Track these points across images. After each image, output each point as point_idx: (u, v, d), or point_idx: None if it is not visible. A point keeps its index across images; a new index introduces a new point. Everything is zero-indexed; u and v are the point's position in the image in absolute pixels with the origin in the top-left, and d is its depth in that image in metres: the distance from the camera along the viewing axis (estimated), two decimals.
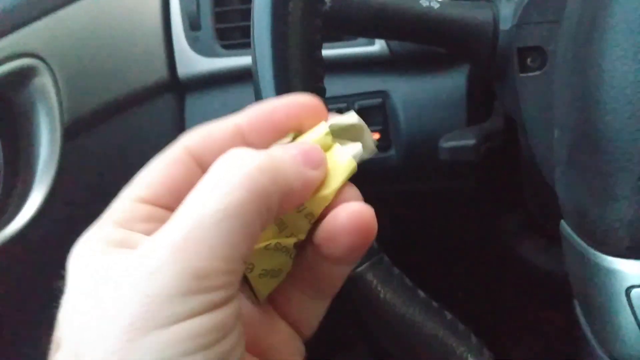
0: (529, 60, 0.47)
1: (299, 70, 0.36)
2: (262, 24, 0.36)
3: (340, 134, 0.28)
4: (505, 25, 0.47)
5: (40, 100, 0.52)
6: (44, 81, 0.52)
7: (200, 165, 0.25)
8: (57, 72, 0.53)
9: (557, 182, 0.37)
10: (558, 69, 0.40)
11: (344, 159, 0.27)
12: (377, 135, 0.63)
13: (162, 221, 0.23)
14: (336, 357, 0.81)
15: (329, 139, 0.27)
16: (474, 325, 0.37)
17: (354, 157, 0.28)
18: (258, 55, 0.36)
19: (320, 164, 0.26)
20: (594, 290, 0.32)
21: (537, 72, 0.46)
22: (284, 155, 0.25)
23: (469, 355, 0.34)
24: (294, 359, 0.28)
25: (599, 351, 0.34)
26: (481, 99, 0.59)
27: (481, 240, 0.73)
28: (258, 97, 0.37)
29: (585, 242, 0.34)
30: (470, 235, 0.73)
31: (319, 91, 0.37)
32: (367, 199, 0.37)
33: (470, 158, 0.48)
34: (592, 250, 0.33)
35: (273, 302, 0.28)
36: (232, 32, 0.65)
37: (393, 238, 0.71)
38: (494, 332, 0.86)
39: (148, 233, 0.24)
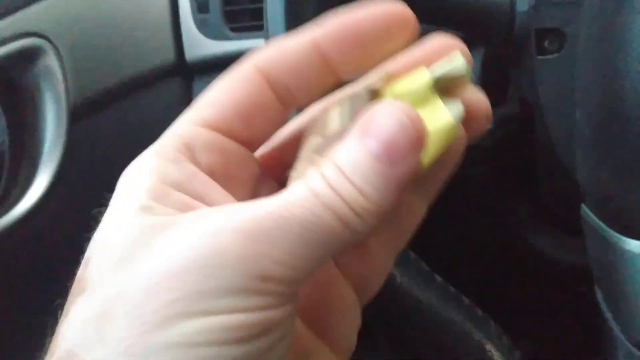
0: (546, 42, 0.46)
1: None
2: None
3: (440, 84, 0.22)
4: (522, 6, 0.46)
5: (45, 80, 0.51)
6: (50, 61, 0.51)
7: (272, 86, 0.22)
8: (63, 52, 0.52)
9: (579, 165, 0.36)
10: (581, 49, 0.39)
11: (444, 120, 0.21)
12: None
13: (225, 153, 0.21)
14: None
15: (429, 92, 0.22)
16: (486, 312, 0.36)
17: (456, 119, 0.22)
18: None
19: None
20: (618, 275, 0.32)
21: (555, 55, 0.45)
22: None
23: (488, 341, 0.33)
24: (352, 333, 0.24)
25: (622, 337, 0.33)
26: (496, 84, 0.58)
27: (493, 229, 0.72)
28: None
29: (608, 225, 0.33)
30: (482, 223, 0.72)
31: None
32: None
33: (486, 142, 0.47)
34: (616, 234, 0.32)
35: (342, 257, 0.23)
36: (240, 14, 0.65)
37: None
38: (505, 320, 0.85)
39: (210, 166, 0.21)
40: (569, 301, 0.74)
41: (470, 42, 0.60)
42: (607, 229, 0.32)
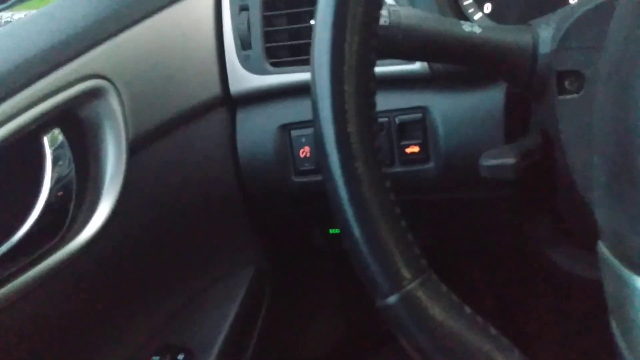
0: (567, 83, 0.49)
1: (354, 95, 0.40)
2: (321, 61, 0.39)
3: None
4: (544, 49, 0.49)
5: (107, 118, 0.56)
6: (111, 101, 0.56)
7: None
8: (122, 91, 0.57)
9: (595, 205, 0.39)
10: (598, 96, 0.42)
11: None
12: (416, 149, 0.66)
13: None
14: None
15: None
16: (506, 328, 0.40)
17: None
18: (317, 85, 0.40)
19: None
20: (632, 313, 0.34)
21: (575, 95, 0.48)
22: None
23: None
24: None
25: None
26: (518, 115, 0.61)
27: (514, 246, 0.75)
28: (317, 122, 0.40)
29: (622, 264, 0.35)
30: (502, 242, 0.75)
31: (371, 106, 0.41)
32: (405, 208, 0.40)
33: (510, 177, 0.50)
34: (629, 273, 0.34)
35: None
36: (280, 50, 0.68)
37: (431, 244, 0.74)
38: (524, 334, 0.88)
39: None
40: (586, 319, 0.77)
41: (494, 77, 0.64)
42: (621, 267, 0.36)
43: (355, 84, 0.40)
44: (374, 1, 0.40)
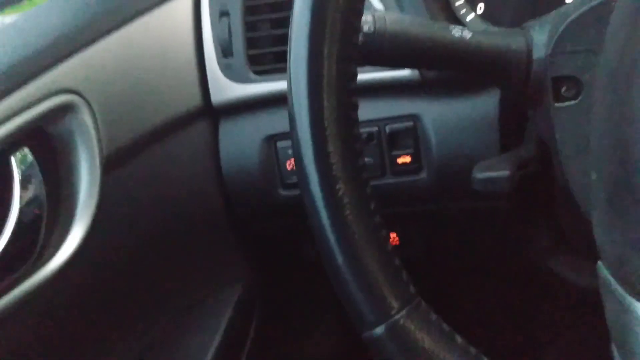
0: (563, 89, 0.46)
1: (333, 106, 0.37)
2: (298, 69, 0.37)
3: None
4: (538, 53, 0.46)
5: (79, 134, 0.53)
6: (83, 116, 0.53)
7: None
8: (94, 106, 0.54)
9: (595, 224, 0.37)
10: (595, 106, 0.39)
11: None
12: (408, 159, 0.63)
13: None
14: None
15: None
16: (508, 340, 0.37)
17: None
18: (295, 100, 0.37)
19: None
20: (633, 341, 0.32)
21: (572, 102, 0.46)
22: None
23: None
24: None
25: None
26: (513, 122, 0.59)
27: (513, 257, 0.73)
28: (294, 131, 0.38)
29: (623, 288, 0.33)
30: (502, 252, 0.73)
31: (352, 121, 0.38)
32: (398, 219, 0.38)
33: (505, 189, 0.48)
34: (630, 298, 0.33)
35: None
36: (263, 57, 0.66)
37: (424, 256, 0.71)
38: (524, 346, 0.86)
39: None
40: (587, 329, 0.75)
41: (487, 85, 0.61)
42: (622, 291, 0.33)
43: (335, 98, 0.37)
44: (353, 9, 0.38)
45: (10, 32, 0.53)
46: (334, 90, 0.37)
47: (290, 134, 0.38)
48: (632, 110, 0.33)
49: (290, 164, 0.66)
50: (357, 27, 0.38)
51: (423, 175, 0.63)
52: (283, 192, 0.67)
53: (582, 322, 0.79)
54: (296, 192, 0.66)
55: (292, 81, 0.37)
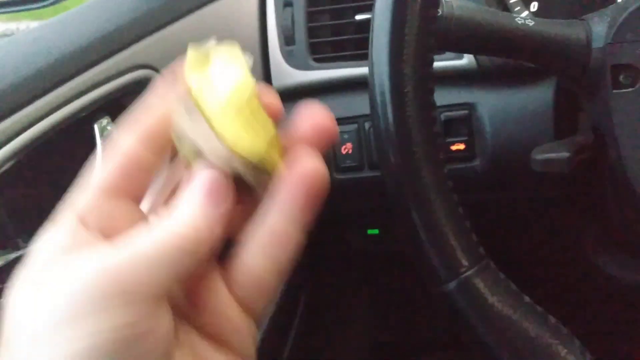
0: (621, 77, 0.48)
1: (413, 88, 0.39)
2: (380, 45, 0.39)
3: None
4: (597, 43, 0.48)
5: None
6: None
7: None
8: None
9: None
10: None
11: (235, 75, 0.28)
12: (462, 146, 0.65)
13: (111, 214, 0.28)
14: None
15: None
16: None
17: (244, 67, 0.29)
18: (376, 74, 0.40)
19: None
20: None
21: (630, 89, 0.48)
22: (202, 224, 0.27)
23: (573, 357, 0.36)
24: (245, 340, 0.28)
25: None
26: (568, 112, 0.60)
27: (562, 251, 0.73)
28: (374, 102, 0.40)
29: None
30: (551, 245, 0.74)
31: (430, 106, 0.40)
32: None
33: (564, 170, 0.49)
34: None
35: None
36: (323, 46, 0.68)
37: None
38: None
39: (99, 227, 0.27)
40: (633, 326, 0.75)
41: (543, 73, 0.62)
42: None
43: (413, 83, 0.39)
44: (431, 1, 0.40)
45: (95, 10, 0.57)
46: (413, 72, 0.39)
47: (371, 111, 0.40)
48: None
49: (345, 149, 0.68)
50: (435, 16, 0.40)
51: (476, 162, 0.64)
52: (337, 176, 0.69)
53: (625, 318, 0.79)
54: (350, 175, 0.68)
55: (375, 64, 0.39)
